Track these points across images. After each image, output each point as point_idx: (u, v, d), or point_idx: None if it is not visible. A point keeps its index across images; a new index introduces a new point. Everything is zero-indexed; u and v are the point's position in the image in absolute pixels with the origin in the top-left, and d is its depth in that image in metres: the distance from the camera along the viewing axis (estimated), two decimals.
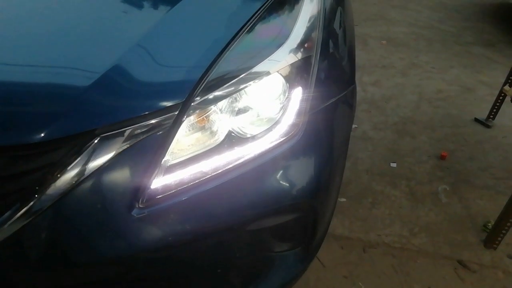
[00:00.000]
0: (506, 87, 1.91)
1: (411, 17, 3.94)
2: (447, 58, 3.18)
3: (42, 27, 0.84)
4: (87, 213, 0.75)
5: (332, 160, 0.96)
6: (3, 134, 0.70)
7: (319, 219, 1.00)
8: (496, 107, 2.37)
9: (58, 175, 0.72)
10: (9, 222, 0.71)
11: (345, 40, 1.07)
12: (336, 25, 1.04)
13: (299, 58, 0.86)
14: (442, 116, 2.50)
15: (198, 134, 0.83)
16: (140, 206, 0.77)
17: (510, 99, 1.69)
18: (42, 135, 0.70)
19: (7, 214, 0.71)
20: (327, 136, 0.93)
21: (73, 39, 0.81)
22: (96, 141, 0.72)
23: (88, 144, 0.72)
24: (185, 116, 0.77)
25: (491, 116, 2.40)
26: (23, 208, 0.71)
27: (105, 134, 0.72)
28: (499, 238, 1.61)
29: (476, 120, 2.43)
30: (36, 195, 0.72)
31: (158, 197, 0.78)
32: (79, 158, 0.72)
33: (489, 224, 1.71)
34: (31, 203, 0.72)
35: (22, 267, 0.76)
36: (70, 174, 0.72)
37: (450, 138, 2.29)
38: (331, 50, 0.96)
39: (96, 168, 0.73)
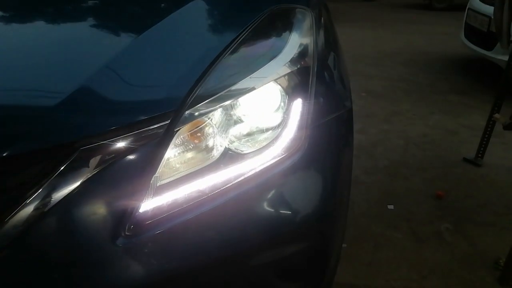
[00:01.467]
0: (497, 115, 1.93)
1: (386, 72, 4.12)
2: (426, 105, 3.27)
3: (14, 49, 0.78)
4: (62, 243, 0.63)
5: (338, 179, 0.88)
6: None
7: (330, 247, 0.89)
8: (483, 146, 2.38)
9: (29, 196, 0.61)
10: None
11: (339, 57, 1.05)
12: (325, 40, 1.02)
13: (297, 68, 0.81)
14: (431, 157, 2.48)
15: (193, 152, 0.74)
16: (127, 233, 0.66)
17: (502, 126, 1.69)
18: (12, 148, 0.60)
19: None
20: (331, 152, 0.86)
21: (50, 55, 0.75)
22: (75, 155, 0.62)
23: (66, 159, 0.62)
24: (177, 127, 0.69)
25: (479, 155, 2.39)
26: None
27: (86, 147, 0.63)
28: None
29: (465, 159, 2.42)
30: (6, 219, 0.60)
31: (148, 222, 0.67)
32: (54, 175, 0.62)
33: (501, 261, 1.60)
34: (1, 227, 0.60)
35: None
36: (43, 196, 0.62)
37: (443, 178, 2.25)
38: (327, 63, 0.92)
39: (75, 187, 0.63)
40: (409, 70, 4.19)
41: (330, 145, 0.87)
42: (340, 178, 0.89)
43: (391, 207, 2.00)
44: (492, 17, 3.00)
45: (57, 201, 0.62)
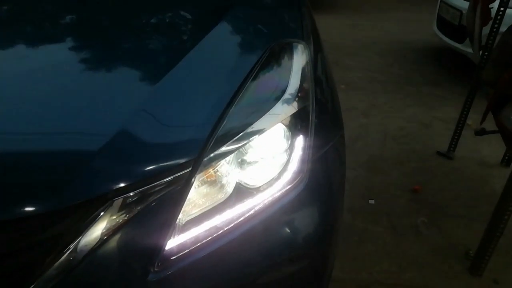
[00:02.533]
0: (469, 122, 2.07)
1: (363, 63, 4.24)
2: (401, 98, 3.42)
3: (44, 94, 0.83)
4: (100, 284, 0.71)
5: (336, 203, 0.98)
6: (9, 207, 0.66)
7: (327, 264, 1.00)
8: (454, 140, 2.55)
9: (70, 245, 0.68)
10: None
11: (329, 84, 1.14)
12: (319, 71, 1.10)
13: (299, 108, 0.90)
14: (408, 151, 2.64)
15: (207, 189, 0.82)
16: (156, 269, 0.74)
17: (473, 132, 1.84)
18: (51, 204, 0.67)
19: None
20: (329, 180, 0.96)
21: (75, 104, 0.80)
22: (108, 205, 0.70)
23: (101, 209, 0.69)
24: (198, 172, 0.77)
25: (452, 149, 2.57)
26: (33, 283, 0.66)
27: (118, 198, 0.70)
28: (483, 265, 1.67)
29: (438, 153, 2.59)
30: (41, 272, 0.67)
31: (173, 258, 0.76)
32: (92, 225, 0.69)
33: (471, 252, 1.77)
34: (36, 281, 0.67)
35: None
36: (82, 242, 0.69)
37: (419, 172, 2.42)
38: (321, 97, 1.01)
39: (109, 233, 0.70)
40: (385, 60, 4.32)
41: (328, 173, 0.97)
42: (337, 202, 1.00)
43: (372, 201, 2.14)
44: (464, 12, 3.14)
45: (92, 247, 0.69)
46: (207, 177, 0.82)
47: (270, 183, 0.87)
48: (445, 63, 4.25)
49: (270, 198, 0.85)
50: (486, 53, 2.18)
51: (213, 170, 0.81)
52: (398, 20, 5.89)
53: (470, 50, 3.33)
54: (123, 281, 0.72)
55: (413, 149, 2.66)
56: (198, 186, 0.81)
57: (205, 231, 0.79)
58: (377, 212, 2.07)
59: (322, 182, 0.94)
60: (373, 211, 2.08)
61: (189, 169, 0.75)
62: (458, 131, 2.52)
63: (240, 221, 0.81)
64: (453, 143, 2.56)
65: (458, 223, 2.00)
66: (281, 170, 0.88)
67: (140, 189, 0.71)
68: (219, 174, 0.83)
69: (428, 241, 1.89)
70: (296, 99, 0.90)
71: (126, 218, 0.71)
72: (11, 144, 0.74)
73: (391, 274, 1.70)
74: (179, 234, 0.77)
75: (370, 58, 4.39)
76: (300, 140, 0.89)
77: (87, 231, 0.69)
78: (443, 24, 3.87)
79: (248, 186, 0.86)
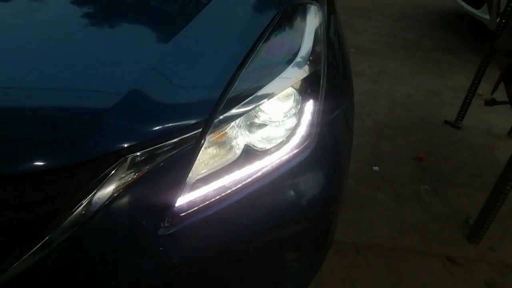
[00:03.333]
0: (480, 91, 2.04)
1: (375, 26, 4.12)
2: (412, 64, 3.35)
3: (57, 50, 0.82)
4: (112, 238, 0.74)
5: (342, 169, 1.00)
6: (25, 161, 0.68)
7: (330, 226, 1.03)
8: (463, 109, 2.53)
9: (83, 200, 0.70)
10: (28, 253, 0.69)
11: (341, 48, 1.12)
12: (332, 34, 1.08)
13: (310, 72, 0.89)
14: (415, 119, 2.62)
15: (216, 150, 0.84)
16: (166, 225, 0.76)
17: (483, 102, 1.82)
18: (65, 159, 0.68)
19: (23, 246, 0.69)
20: (337, 146, 0.97)
21: (89, 62, 0.80)
22: (121, 162, 0.71)
23: (113, 166, 0.71)
24: (208, 133, 0.78)
25: (460, 118, 2.55)
26: (44, 238, 0.69)
27: (130, 156, 0.71)
28: (482, 233, 1.71)
29: (446, 122, 2.57)
30: (55, 224, 0.70)
31: (183, 214, 0.78)
32: (104, 181, 0.71)
33: (470, 220, 1.81)
34: (51, 232, 0.70)
35: None
36: (95, 198, 0.71)
37: (425, 140, 2.41)
38: (333, 61, 1.00)
39: (121, 190, 0.72)
40: (398, 24, 4.20)
41: (336, 139, 0.98)
42: (343, 167, 1.01)
43: (376, 168, 2.16)
44: None
45: (104, 202, 0.71)
46: (217, 138, 0.83)
47: (278, 146, 0.87)
48: (460, 29, 4.12)
49: (278, 161, 0.86)
50: (503, 21, 2.11)
51: (222, 131, 0.82)
52: None
53: (487, 16, 3.22)
54: (134, 235, 0.75)
55: (420, 117, 2.65)
56: (208, 146, 0.82)
57: (214, 190, 0.81)
58: (380, 179, 2.09)
59: (330, 147, 0.94)
60: (377, 177, 2.10)
61: (199, 130, 0.76)
62: (468, 100, 2.49)
63: (248, 182, 0.83)
64: (462, 112, 2.54)
65: (461, 192, 2.02)
66: (290, 133, 0.89)
67: (152, 148, 0.72)
68: (229, 136, 0.84)
69: (429, 209, 1.92)
70: (308, 62, 0.89)
71: (137, 175, 0.73)
72: (25, 100, 0.75)
73: (391, 239, 1.75)
74: (188, 192, 0.79)
75: (382, 21, 4.27)
76: (310, 105, 0.89)
77: (99, 187, 0.71)
78: None
79: (256, 148, 0.87)
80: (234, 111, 0.80)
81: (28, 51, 0.83)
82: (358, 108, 2.68)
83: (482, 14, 3.34)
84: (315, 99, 0.90)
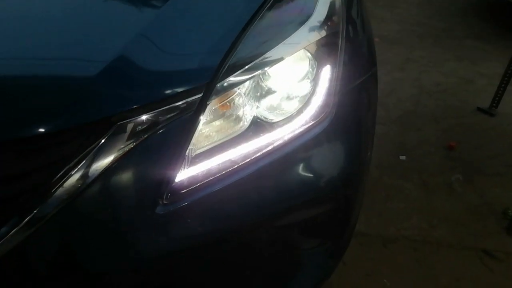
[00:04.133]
0: None
1: (401, 15, 3.95)
2: (441, 52, 3.18)
3: (43, 19, 0.76)
4: (104, 214, 0.67)
5: (364, 144, 0.90)
6: (8, 128, 0.61)
7: (352, 209, 0.93)
8: (498, 95, 2.35)
9: (72, 171, 0.64)
10: (16, 228, 0.63)
11: (363, 16, 1.01)
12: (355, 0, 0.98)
13: (327, 33, 0.79)
14: (444, 107, 2.47)
15: (221, 121, 0.75)
16: (165, 202, 0.69)
17: None
18: (51, 125, 0.62)
19: (12, 220, 0.63)
20: (357, 119, 0.87)
21: (78, 27, 0.73)
22: (113, 129, 0.64)
23: (104, 134, 0.64)
24: (210, 99, 0.69)
25: (494, 105, 2.38)
26: (32, 211, 0.63)
27: (123, 122, 0.64)
28: None
29: (479, 109, 2.41)
30: (45, 196, 0.63)
31: (184, 191, 0.70)
32: (95, 150, 0.64)
33: (509, 211, 1.66)
34: (39, 206, 0.63)
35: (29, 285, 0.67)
36: (85, 169, 0.64)
37: (455, 129, 2.26)
38: (355, 24, 0.90)
39: (114, 161, 0.65)
40: (424, 12, 4.02)
41: (356, 111, 0.88)
42: (365, 143, 0.91)
43: (403, 157, 2.03)
44: None
45: (98, 173, 0.64)
46: (221, 108, 0.75)
47: (291, 118, 0.78)
48: (491, 16, 3.90)
49: (291, 134, 0.77)
50: None
51: (227, 100, 0.74)
52: None
53: None
54: (130, 212, 0.68)
55: (451, 105, 2.49)
56: (212, 117, 0.74)
57: (218, 164, 0.73)
58: (408, 168, 1.96)
59: (350, 120, 0.85)
60: (403, 167, 1.97)
61: (200, 95, 0.68)
62: (503, 86, 2.32)
63: (257, 156, 0.75)
64: (496, 99, 2.37)
65: (495, 182, 1.87)
66: (305, 103, 0.79)
67: (147, 114, 0.65)
68: (235, 106, 0.75)
69: (462, 199, 1.78)
70: (324, 23, 0.80)
71: (133, 145, 0.66)
72: (11, 67, 0.69)
73: (420, 231, 1.62)
74: (190, 166, 0.71)
75: (408, 10, 4.09)
76: (327, 71, 0.80)
77: (91, 157, 0.64)
78: None
79: (267, 120, 0.78)
80: (238, 75, 0.71)
81: (16, 19, 0.77)
82: (382, 98, 2.55)
83: None
84: (333, 64, 0.80)
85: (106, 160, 0.65)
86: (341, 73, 0.81)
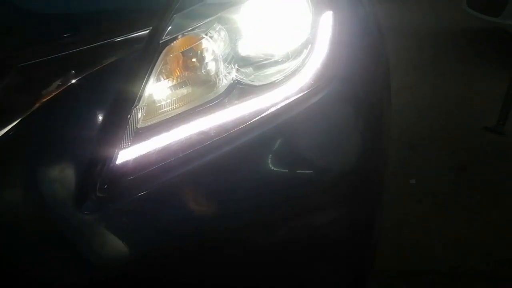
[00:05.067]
0: None
1: (392, 44, 3.92)
2: (434, 76, 3.08)
3: None
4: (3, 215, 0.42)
5: (380, 123, 0.67)
6: None
7: (373, 217, 0.68)
8: (504, 113, 2.19)
9: None
10: None
11: None
12: None
13: None
14: (448, 128, 2.29)
15: (188, 83, 0.53)
16: (98, 195, 0.45)
17: None
18: None
19: None
20: (371, 87, 0.65)
21: None
22: (9, 76, 0.41)
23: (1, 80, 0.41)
24: (162, 38, 0.47)
25: (501, 122, 2.20)
26: None
27: (25, 64, 0.42)
28: None
29: (486, 128, 2.23)
30: None
31: (129, 178, 0.46)
32: None
33: None
34: None
35: None
36: None
37: (464, 149, 2.06)
38: None
39: (14, 125, 0.41)
40: (411, 42, 4.00)
41: (369, 77, 0.66)
42: (382, 122, 0.68)
43: (413, 181, 1.80)
44: None
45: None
46: (184, 62, 0.53)
47: (282, 82, 0.56)
48: (477, 41, 3.89)
49: (282, 104, 0.55)
50: None
51: (192, 47, 0.52)
52: (418, 7, 5.59)
53: (508, 22, 2.99)
54: (42, 211, 0.43)
55: (455, 126, 2.31)
56: (172, 72, 0.51)
57: (182, 139, 0.49)
58: (420, 192, 1.72)
59: (362, 87, 0.63)
60: (415, 191, 1.73)
61: (146, 29, 0.46)
62: (507, 103, 2.17)
63: (236, 130, 0.51)
64: (503, 116, 2.20)
65: None
66: (300, 62, 0.58)
67: (62, 53, 0.43)
68: (204, 57, 0.53)
69: (486, 221, 1.53)
70: None
71: (41, 101, 0.43)
72: None
73: (447, 262, 1.35)
74: (139, 141, 0.48)
75: (394, 42, 4.07)
76: (328, 17, 0.59)
77: None
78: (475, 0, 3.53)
79: (250, 83, 0.56)
80: (207, 6, 0.50)
81: None
82: None
83: (503, 20, 3.11)
84: (336, 10, 0.60)
85: (2, 122, 0.41)
86: (347, 23, 0.61)
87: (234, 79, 0.56)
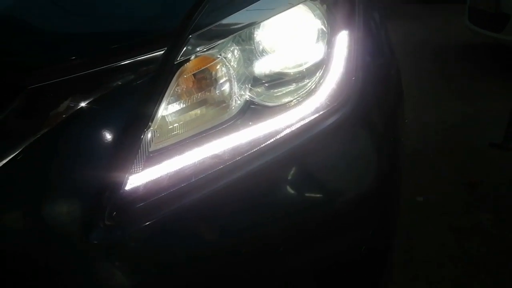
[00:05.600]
0: None
1: None
2: (438, 92, 3.08)
3: None
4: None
5: (398, 143, 0.65)
6: None
7: (385, 242, 0.65)
8: (510, 129, 2.17)
9: None
10: None
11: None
12: None
13: None
14: (454, 145, 2.27)
15: (201, 104, 0.51)
16: (107, 223, 0.42)
17: None
18: None
19: None
20: (388, 105, 0.64)
21: None
22: (20, 97, 0.39)
23: (7, 104, 0.39)
24: (178, 58, 0.46)
25: (509, 138, 2.18)
26: None
27: (36, 86, 0.40)
28: None
29: (492, 144, 2.20)
30: None
31: (139, 205, 0.44)
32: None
33: None
34: None
35: None
36: None
37: (472, 165, 2.04)
38: None
39: (22, 148, 0.39)
40: (415, 58, 4.01)
41: (383, 96, 0.64)
42: (398, 141, 0.67)
43: (420, 199, 1.77)
44: None
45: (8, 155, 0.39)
46: (197, 83, 0.51)
47: (297, 102, 0.55)
48: (480, 57, 3.90)
49: (297, 125, 0.53)
50: None
51: (206, 67, 0.50)
52: (423, 25, 5.63)
53: (510, 38, 3.00)
54: (46, 242, 0.40)
55: (460, 142, 2.29)
56: (185, 93, 0.50)
57: (196, 163, 0.47)
58: (429, 211, 1.69)
59: (380, 106, 0.61)
60: (423, 209, 1.70)
61: (161, 50, 0.44)
62: None
63: (251, 153, 0.49)
64: (509, 133, 2.18)
65: None
66: (316, 81, 0.56)
67: (74, 74, 0.41)
68: (218, 78, 0.51)
69: (498, 241, 1.49)
70: None
71: (52, 124, 0.41)
72: None
73: (458, 284, 1.31)
74: (150, 165, 0.45)
75: (401, 53, 4.08)
76: (345, 36, 0.58)
77: None
78: (476, 15, 3.55)
79: (264, 104, 0.54)
80: (224, 26, 0.48)
81: None
82: None
83: (505, 36, 3.12)
84: (352, 26, 0.58)
85: (9, 148, 0.39)
86: (363, 40, 0.59)
87: (247, 99, 0.54)
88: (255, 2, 0.50)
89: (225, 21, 0.48)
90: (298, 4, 0.54)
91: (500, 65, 3.56)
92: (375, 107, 0.60)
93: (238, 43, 0.53)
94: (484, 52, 4.01)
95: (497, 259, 1.40)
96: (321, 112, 0.54)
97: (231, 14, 0.48)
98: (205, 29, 0.46)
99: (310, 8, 0.56)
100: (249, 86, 0.54)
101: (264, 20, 0.52)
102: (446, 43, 4.52)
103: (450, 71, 3.56)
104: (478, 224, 1.59)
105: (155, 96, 0.44)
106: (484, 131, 2.40)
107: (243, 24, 0.50)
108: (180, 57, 0.45)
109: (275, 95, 0.56)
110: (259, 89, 0.55)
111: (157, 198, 0.44)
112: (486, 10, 3.33)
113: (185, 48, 0.45)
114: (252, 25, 0.51)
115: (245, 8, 0.50)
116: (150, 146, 0.45)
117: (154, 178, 0.45)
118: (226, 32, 0.49)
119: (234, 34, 0.50)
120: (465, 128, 2.46)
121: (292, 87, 0.56)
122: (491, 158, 2.10)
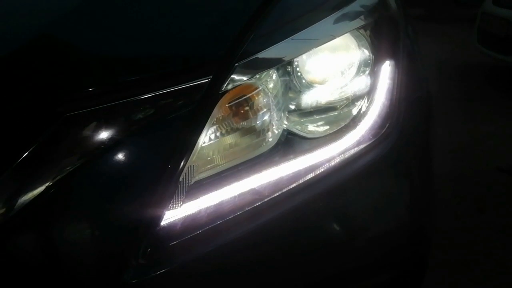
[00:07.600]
0: None
1: None
2: (444, 114, 3.06)
3: None
4: (33, 282, 0.37)
5: (433, 178, 0.63)
6: None
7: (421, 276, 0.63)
8: None
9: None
10: None
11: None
12: None
13: (384, 15, 0.57)
14: (461, 169, 2.24)
15: (238, 134, 0.48)
16: (140, 262, 0.39)
17: None
18: None
19: None
20: (425, 138, 0.61)
21: None
22: (56, 126, 0.37)
23: (41, 133, 0.37)
24: (223, 88, 0.43)
25: None
26: None
27: (74, 113, 0.37)
28: None
29: (500, 169, 2.19)
30: None
31: (175, 243, 0.41)
32: (19, 160, 0.36)
33: None
34: None
35: None
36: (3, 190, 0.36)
37: (480, 190, 2.01)
38: (409, 23, 0.67)
39: (55, 181, 0.37)
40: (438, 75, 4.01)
41: (420, 129, 0.62)
42: (432, 174, 0.64)
43: None
44: None
45: (26, 203, 0.36)
46: (236, 113, 0.48)
47: (339, 134, 0.52)
48: (487, 79, 3.90)
49: (339, 158, 0.50)
50: None
51: (246, 98, 0.47)
52: (431, 42, 5.64)
53: None
54: (77, 281, 0.37)
55: (467, 166, 2.26)
56: (223, 123, 0.47)
57: (233, 199, 0.44)
58: (437, 235, 1.66)
59: (419, 139, 0.59)
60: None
61: (206, 79, 0.42)
62: None
63: (292, 188, 0.47)
64: None
65: None
66: (358, 113, 0.54)
67: (113, 103, 0.38)
68: (258, 108, 0.49)
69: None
70: (380, 3, 0.57)
71: (89, 155, 0.38)
72: None
73: None
74: (187, 200, 0.43)
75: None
76: (388, 67, 0.55)
77: (17, 167, 0.36)
78: (486, 37, 3.55)
79: (303, 134, 0.52)
80: (268, 55, 0.46)
81: None
82: None
83: None
84: (396, 60, 0.56)
85: (42, 180, 0.37)
86: (406, 70, 0.57)
87: (286, 129, 0.51)
88: (301, 31, 0.48)
89: (271, 50, 0.45)
90: (342, 34, 0.52)
91: (508, 86, 3.56)
92: (414, 141, 0.58)
93: (279, 71, 0.51)
94: (489, 73, 4.01)
95: None
96: (361, 146, 0.52)
97: (277, 43, 0.46)
98: (252, 57, 0.44)
99: (354, 37, 0.54)
100: (286, 114, 0.52)
101: (308, 51, 0.49)
102: (457, 63, 4.52)
103: (457, 93, 3.55)
104: (490, 253, 1.56)
105: (198, 126, 0.41)
106: (491, 155, 2.38)
107: (289, 55, 0.47)
108: (226, 86, 0.43)
109: (315, 125, 0.53)
110: (297, 119, 0.53)
111: (193, 235, 0.42)
112: (495, 33, 3.33)
113: (231, 76, 0.43)
114: (297, 55, 0.49)
115: (291, 37, 0.47)
116: (190, 181, 0.42)
117: (191, 213, 0.42)
118: (271, 62, 0.46)
119: (278, 65, 0.48)
120: (473, 152, 2.43)
121: (333, 117, 0.54)
122: (500, 182, 2.07)
